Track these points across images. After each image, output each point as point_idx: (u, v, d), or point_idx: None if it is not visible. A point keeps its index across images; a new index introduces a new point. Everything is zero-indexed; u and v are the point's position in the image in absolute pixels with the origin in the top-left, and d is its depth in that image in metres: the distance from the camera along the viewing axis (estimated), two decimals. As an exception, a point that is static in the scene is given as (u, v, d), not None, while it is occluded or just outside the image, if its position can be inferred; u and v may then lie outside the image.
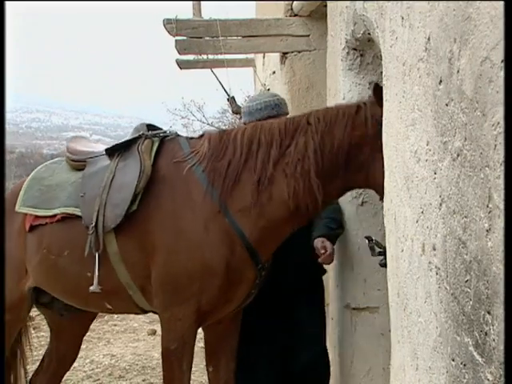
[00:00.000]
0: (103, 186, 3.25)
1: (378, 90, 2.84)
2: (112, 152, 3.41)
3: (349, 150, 2.95)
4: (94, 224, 3.18)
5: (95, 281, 3.18)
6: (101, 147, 3.65)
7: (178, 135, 3.39)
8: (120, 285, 3.25)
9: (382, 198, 2.77)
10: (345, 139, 2.94)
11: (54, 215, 3.39)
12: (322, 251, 3.29)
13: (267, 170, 3.03)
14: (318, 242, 3.33)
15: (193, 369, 5.49)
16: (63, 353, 3.98)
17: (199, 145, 3.22)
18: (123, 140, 3.45)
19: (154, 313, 3.41)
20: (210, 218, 3.06)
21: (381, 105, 2.69)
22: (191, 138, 3.38)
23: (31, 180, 3.63)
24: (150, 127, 3.44)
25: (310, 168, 2.97)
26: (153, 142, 3.33)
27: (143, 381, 5.48)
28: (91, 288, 3.19)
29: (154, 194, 3.17)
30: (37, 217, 3.45)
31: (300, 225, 3.21)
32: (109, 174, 3.30)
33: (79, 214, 3.29)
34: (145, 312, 3.51)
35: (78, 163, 3.54)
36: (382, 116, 2.69)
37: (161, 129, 3.48)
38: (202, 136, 3.32)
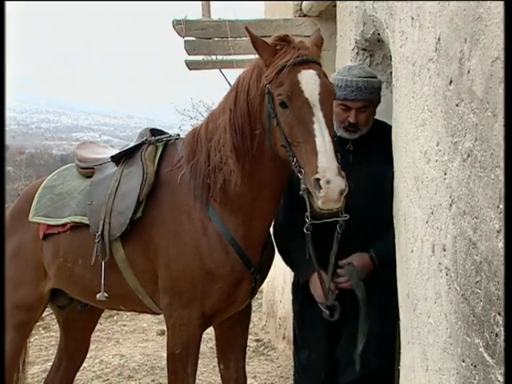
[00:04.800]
0: (109, 194, 3.28)
1: (251, 36, 2.79)
2: (118, 159, 3.44)
3: (249, 115, 2.89)
4: (100, 232, 3.23)
5: (102, 288, 3.24)
6: (109, 152, 3.68)
7: (178, 138, 3.39)
8: (130, 290, 3.31)
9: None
10: (245, 105, 2.89)
11: (64, 224, 3.44)
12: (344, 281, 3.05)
13: (214, 161, 3.04)
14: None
15: (202, 369, 5.55)
16: (73, 350, 4.02)
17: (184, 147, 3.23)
18: (128, 147, 3.47)
19: None
20: (204, 221, 3.08)
21: (258, 52, 2.75)
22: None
23: (43, 188, 3.67)
24: (154, 132, 3.47)
25: (225, 141, 2.95)
26: (157, 147, 3.35)
27: (152, 381, 5.50)
28: (98, 296, 3.26)
29: (156, 201, 3.20)
30: (49, 226, 3.51)
31: (267, 214, 3.09)
32: (114, 181, 3.33)
33: (87, 222, 3.34)
34: (157, 314, 3.55)
35: (87, 170, 3.57)
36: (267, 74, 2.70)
37: (165, 133, 3.49)
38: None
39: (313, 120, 2.60)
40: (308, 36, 5.05)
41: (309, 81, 2.66)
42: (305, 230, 2.82)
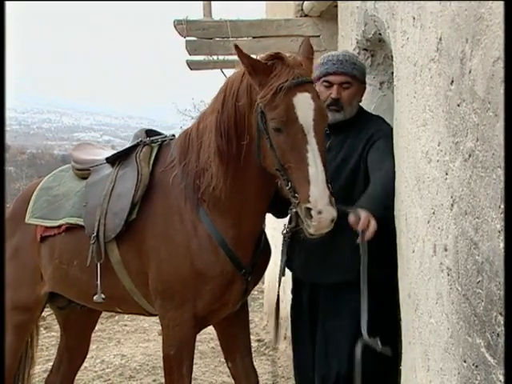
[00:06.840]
0: (104, 195, 3.28)
1: (240, 54, 2.70)
2: (113, 160, 3.43)
3: (235, 121, 2.86)
4: (95, 234, 3.22)
5: (98, 290, 3.23)
6: (105, 153, 3.67)
7: (173, 139, 3.38)
8: (126, 292, 3.31)
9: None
10: (233, 110, 2.85)
11: (60, 226, 3.44)
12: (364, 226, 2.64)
13: (203, 161, 3.03)
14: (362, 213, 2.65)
15: (204, 369, 5.55)
16: (73, 349, 4.02)
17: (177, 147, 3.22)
18: (123, 148, 3.47)
19: None
20: (194, 222, 3.08)
21: (245, 68, 2.68)
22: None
23: (40, 190, 3.67)
24: (150, 133, 3.45)
25: (211, 143, 2.94)
26: (152, 148, 3.34)
27: (154, 381, 5.49)
28: (95, 298, 3.25)
29: (149, 202, 3.19)
30: (46, 228, 3.51)
31: (260, 212, 3.09)
32: (109, 183, 3.33)
33: (82, 223, 3.34)
34: (153, 315, 3.55)
35: (83, 172, 3.57)
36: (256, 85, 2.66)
37: (160, 134, 3.48)
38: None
39: (306, 148, 2.60)
40: (308, 36, 5.07)
41: (304, 105, 2.64)
42: (282, 234, 2.93)
